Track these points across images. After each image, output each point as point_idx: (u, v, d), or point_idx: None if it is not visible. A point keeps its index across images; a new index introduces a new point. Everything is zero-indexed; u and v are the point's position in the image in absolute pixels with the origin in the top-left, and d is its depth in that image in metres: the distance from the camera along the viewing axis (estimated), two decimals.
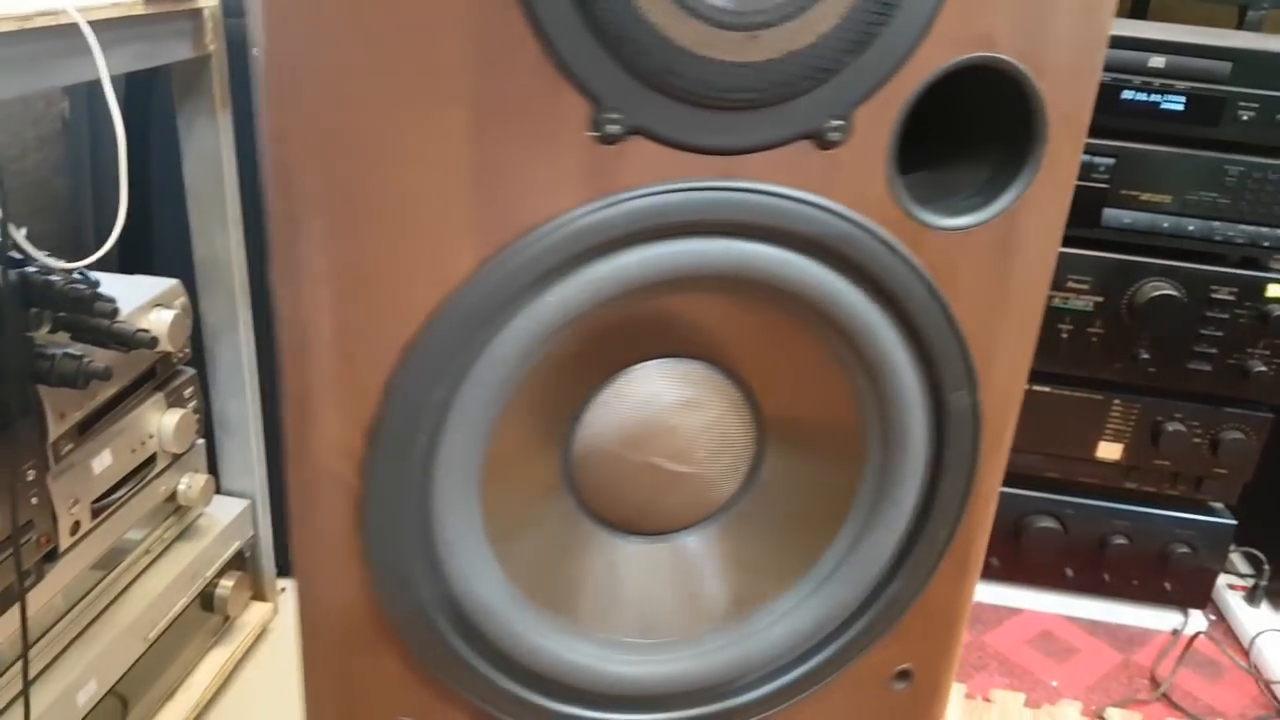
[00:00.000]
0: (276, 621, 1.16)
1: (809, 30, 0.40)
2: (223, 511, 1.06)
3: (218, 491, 1.05)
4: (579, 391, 0.51)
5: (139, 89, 1.10)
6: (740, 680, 0.55)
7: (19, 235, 0.69)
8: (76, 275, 0.78)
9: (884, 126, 0.45)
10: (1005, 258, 0.49)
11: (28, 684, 0.78)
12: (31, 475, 0.79)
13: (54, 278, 0.76)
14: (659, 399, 0.52)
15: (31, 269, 0.76)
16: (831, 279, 0.47)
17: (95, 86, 1.06)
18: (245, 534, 1.09)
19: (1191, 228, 1.09)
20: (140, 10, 0.79)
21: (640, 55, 0.40)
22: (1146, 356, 1.13)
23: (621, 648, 0.53)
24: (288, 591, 1.20)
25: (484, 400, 0.46)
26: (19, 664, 0.81)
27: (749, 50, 0.40)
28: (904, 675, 0.58)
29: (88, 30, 0.73)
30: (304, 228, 0.41)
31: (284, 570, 1.19)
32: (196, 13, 0.87)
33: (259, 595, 1.14)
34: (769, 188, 0.44)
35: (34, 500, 0.79)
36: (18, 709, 0.81)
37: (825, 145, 0.44)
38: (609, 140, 0.42)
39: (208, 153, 0.94)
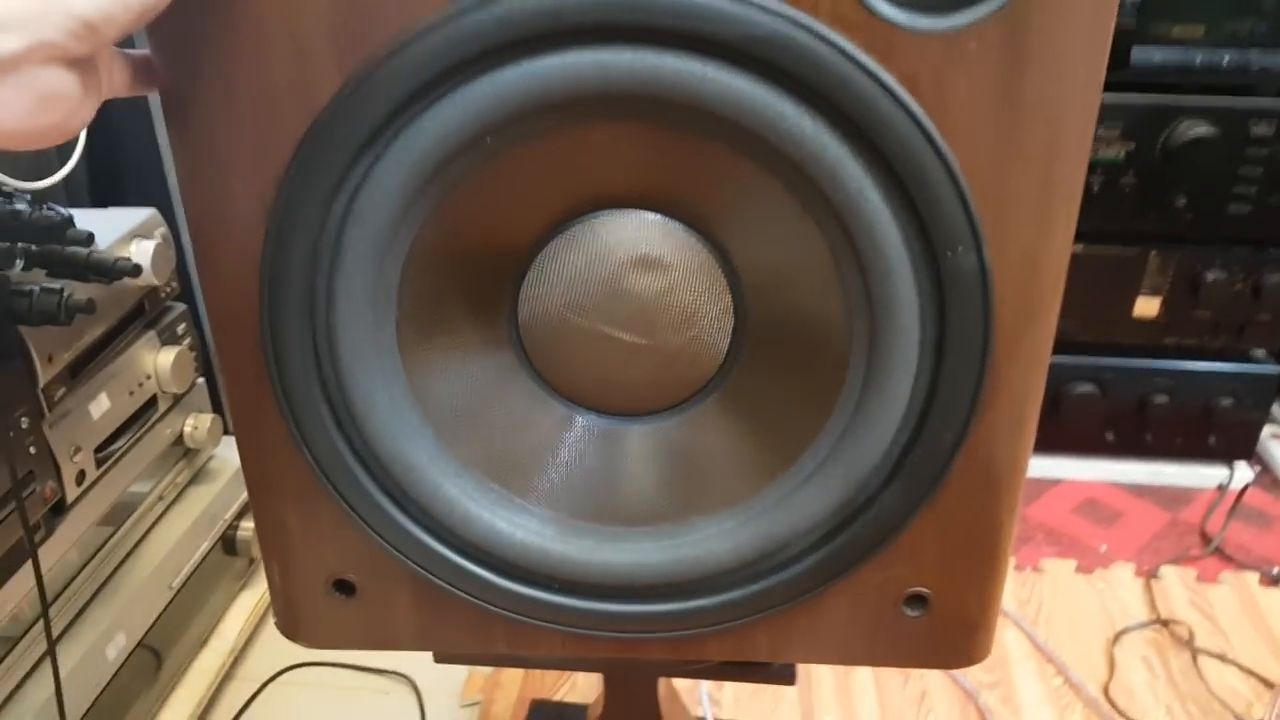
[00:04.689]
0: None
1: None
2: (234, 452, 1.01)
3: (226, 432, 1.00)
4: (520, 246, 0.46)
5: None
6: (704, 580, 0.49)
7: None
8: (45, 206, 0.72)
9: None
10: (1013, 71, 0.38)
11: (52, 642, 0.73)
12: (25, 423, 0.73)
13: (21, 207, 0.69)
14: (608, 255, 0.46)
15: None
16: (768, 97, 0.38)
17: None
18: None
19: (1227, 60, 1.03)
20: None
21: None
22: (1183, 203, 1.08)
23: (575, 530, 0.49)
24: None
25: (374, 241, 0.42)
26: (41, 623, 0.77)
27: None
28: (917, 600, 0.50)
29: None
30: (175, 55, 0.40)
31: None
32: None
33: None
34: None
35: (31, 450, 0.74)
36: (46, 669, 0.77)
37: None
38: None
39: None
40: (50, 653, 0.74)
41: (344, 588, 0.51)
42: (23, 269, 0.73)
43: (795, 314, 0.47)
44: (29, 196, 0.74)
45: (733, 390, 0.49)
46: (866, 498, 0.47)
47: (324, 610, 0.52)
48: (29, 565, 0.73)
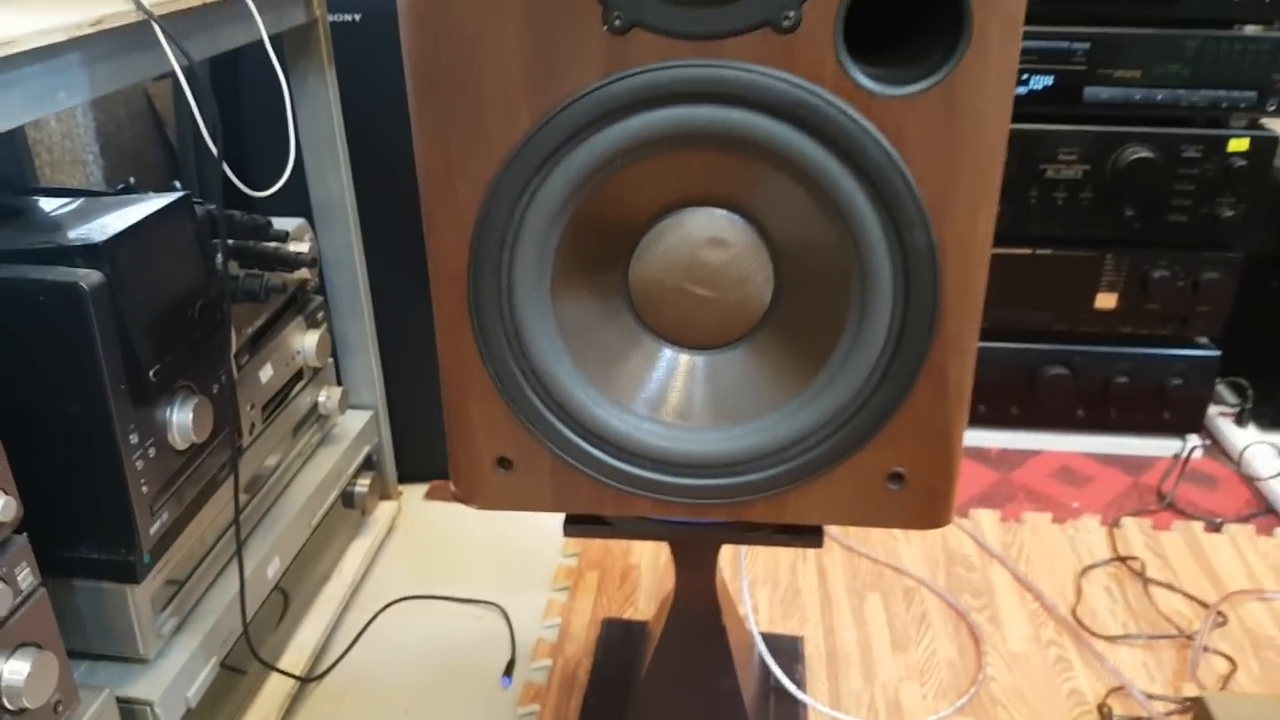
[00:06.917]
0: (401, 518, 1.33)
1: None
2: (351, 422, 1.23)
3: (350, 406, 1.22)
4: (633, 230, 0.69)
5: (223, 64, 1.25)
6: (753, 461, 0.70)
7: (229, 172, 0.84)
8: (248, 214, 0.94)
9: (829, 15, 0.59)
10: (949, 121, 0.60)
11: (240, 544, 0.95)
12: (224, 381, 0.95)
13: (233, 212, 0.92)
14: (690, 237, 0.69)
15: (212, 207, 0.92)
16: (795, 136, 0.61)
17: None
18: (372, 440, 1.26)
19: (1160, 97, 1.26)
20: None
21: None
22: (1131, 214, 1.30)
23: (663, 426, 0.71)
24: (405, 493, 1.37)
25: (542, 223, 0.64)
26: (218, 546, 0.98)
27: None
28: (897, 477, 0.71)
29: (250, 2, 0.88)
30: (427, 105, 0.63)
31: (402, 477, 1.36)
32: None
33: (385, 495, 1.31)
34: (736, 64, 0.60)
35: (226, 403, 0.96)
36: (226, 579, 0.98)
37: (781, 31, 0.59)
38: (617, 31, 0.59)
39: (319, 106, 1.09)
40: (238, 555, 0.95)
41: (504, 464, 0.73)
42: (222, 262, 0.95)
43: (814, 276, 0.69)
44: (212, 207, 0.96)
45: (773, 329, 0.71)
46: (862, 400, 0.69)
47: (490, 480, 0.74)
48: (206, 507, 0.94)
